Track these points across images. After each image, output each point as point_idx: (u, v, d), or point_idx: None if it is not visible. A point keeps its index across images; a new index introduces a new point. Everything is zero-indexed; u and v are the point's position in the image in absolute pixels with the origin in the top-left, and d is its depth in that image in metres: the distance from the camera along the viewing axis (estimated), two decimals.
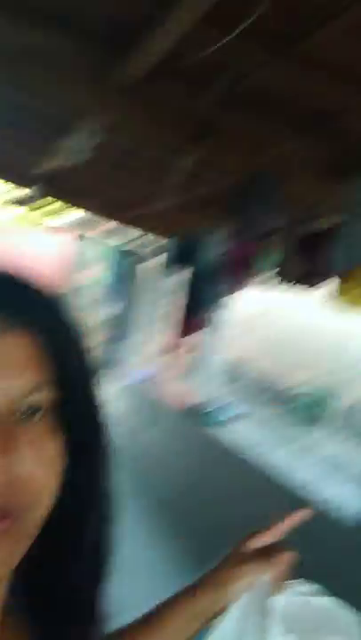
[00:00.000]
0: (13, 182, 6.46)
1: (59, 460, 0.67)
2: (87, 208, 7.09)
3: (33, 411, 0.65)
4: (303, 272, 3.63)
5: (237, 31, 2.27)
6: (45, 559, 0.73)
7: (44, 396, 0.66)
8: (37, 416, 0.66)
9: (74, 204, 7.24)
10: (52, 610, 0.76)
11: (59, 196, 6.58)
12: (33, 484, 0.64)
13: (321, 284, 3.85)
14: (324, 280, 3.80)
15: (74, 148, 4.30)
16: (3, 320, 0.65)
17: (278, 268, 3.65)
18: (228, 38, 2.32)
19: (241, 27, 2.25)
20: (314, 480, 4.31)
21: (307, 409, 5.81)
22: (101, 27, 2.98)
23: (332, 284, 3.91)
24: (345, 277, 3.51)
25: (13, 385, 0.63)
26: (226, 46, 2.41)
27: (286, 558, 1.05)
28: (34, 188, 6.25)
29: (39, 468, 0.64)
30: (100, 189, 6.13)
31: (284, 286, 3.89)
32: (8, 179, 6.42)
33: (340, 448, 5.10)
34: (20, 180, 6.19)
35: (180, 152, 3.49)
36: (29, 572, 0.72)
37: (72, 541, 0.75)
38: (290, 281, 3.70)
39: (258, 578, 1.01)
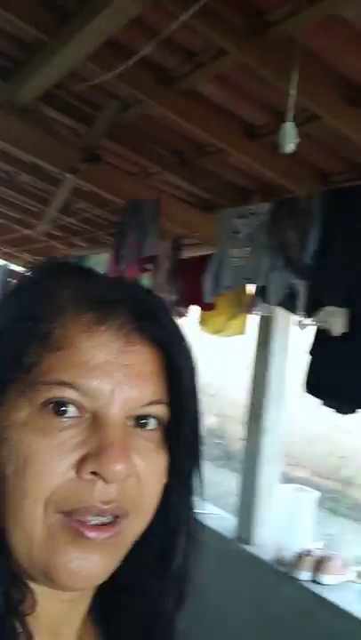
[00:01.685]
0: None
1: (162, 475, 0.68)
2: None
3: (146, 422, 0.66)
4: (173, 300, 3.85)
5: (119, 70, 2.48)
6: (129, 577, 0.72)
7: (158, 411, 0.67)
8: (150, 429, 0.67)
9: None
10: (129, 628, 0.76)
11: None
12: (141, 493, 0.65)
13: (185, 313, 4.10)
14: (188, 308, 4.05)
15: None
16: (139, 332, 0.67)
17: None
18: (109, 75, 2.53)
19: (124, 66, 2.46)
20: None
21: None
22: None
23: (196, 314, 4.18)
24: (207, 308, 3.77)
25: (136, 394, 0.64)
26: (110, 80, 2.63)
27: None
28: None
29: (148, 476, 0.65)
30: None
31: None
32: None
33: None
34: None
35: (58, 181, 3.64)
36: (112, 587, 0.72)
37: (158, 562, 0.74)
38: None
39: None
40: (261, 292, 2.50)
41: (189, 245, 3.89)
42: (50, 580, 0.63)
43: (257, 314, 3.76)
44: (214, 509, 4.49)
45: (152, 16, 2.22)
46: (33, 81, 2.73)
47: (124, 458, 0.62)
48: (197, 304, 3.88)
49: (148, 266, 3.58)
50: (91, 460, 0.61)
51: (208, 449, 10.08)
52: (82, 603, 0.71)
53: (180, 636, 0.79)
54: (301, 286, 2.27)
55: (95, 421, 0.63)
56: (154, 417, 0.67)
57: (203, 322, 4.20)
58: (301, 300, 2.28)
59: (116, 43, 2.49)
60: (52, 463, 0.61)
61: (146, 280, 3.70)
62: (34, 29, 2.55)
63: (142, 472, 0.64)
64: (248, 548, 3.83)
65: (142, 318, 0.67)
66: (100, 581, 0.65)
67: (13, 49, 3.02)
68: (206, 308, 3.80)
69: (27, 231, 6.00)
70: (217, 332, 4.08)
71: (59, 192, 3.74)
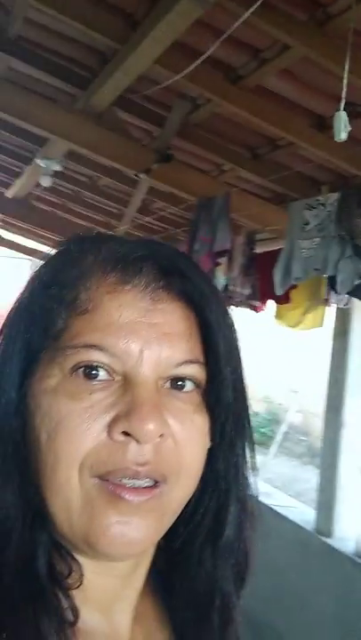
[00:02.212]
0: None
1: (204, 437, 0.66)
2: (42, 239, 7.36)
3: (182, 383, 0.64)
4: (246, 294, 3.90)
5: (187, 71, 2.57)
6: (185, 550, 0.72)
7: (194, 372, 0.65)
8: (186, 391, 0.64)
9: (31, 234, 7.49)
10: (190, 604, 0.74)
11: (27, 221, 6.82)
12: (180, 454, 0.63)
13: (262, 307, 4.14)
14: (264, 302, 4.09)
15: (42, 172, 4.55)
16: (167, 289, 0.65)
17: (226, 291, 3.91)
18: (178, 77, 2.62)
19: (191, 67, 2.55)
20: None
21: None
22: (69, 64, 3.29)
23: (272, 307, 4.22)
24: (282, 301, 3.80)
25: (167, 354, 0.62)
26: (179, 81, 2.72)
27: None
28: None
29: (186, 440, 0.63)
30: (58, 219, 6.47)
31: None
32: None
33: None
34: None
35: (136, 182, 3.77)
36: (170, 560, 0.72)
37: (212, 533, 0.72)
38: (235, 304, 3.95)
39: None
40: (332, 282, 2.51)
41: (264, 240, 3.93)
42: (91, 547, 0.61)
43: (334, 306, 3.76)
44: (296, 503, 4.51)
45: (215, 16, 2.30)
46: (106, 87, 2.87)
47: (154, 416, 0.60)
48: (272, 298, 3.91)
49: (221, 260, 3.64)
50: (121, 420, 0.60)
51: (293, 446, 10.11)
52: (135, 579, 0.70)
53: (242, 615, 0.75)
54: None
55: (126, 383, 0.62)
56: (189, 378, 0.64)
57: (279, 316, 4.22)
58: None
59: (183, 44, 2.58)
60: (83, 426, 0.60)
61: (220, 274, 3.77)
62: (106, 39, 2.68)
63: (179, 435, 0.63)
64: (329, 540, 3.83)
65: (169, 275, 0.65)
66: (141, 549, 0.64)
67: (89, 59, 3.18)
68: (281, 301, 3.83)
69: (109, 233, 6.20)
70: (294, 325, 4.09)
71: (136, 193, 3.88)
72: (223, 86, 2.83)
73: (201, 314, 0.66)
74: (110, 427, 0.60)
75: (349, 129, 1.62)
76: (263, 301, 4.07)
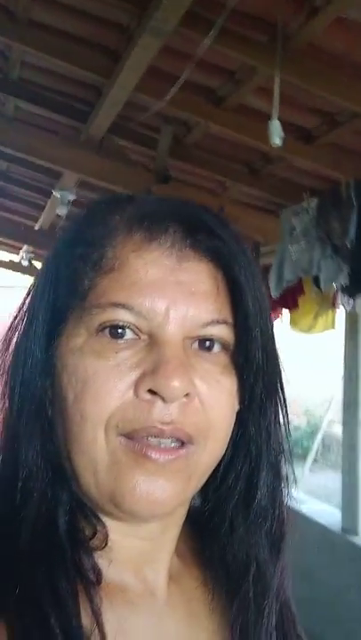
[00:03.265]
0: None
1: (232, 399, 0.65)
2: None
3: (209, 344, 0.63)
4: None
5: (169, 96, 2.77)
6: (217, 515, 0.71)
7: (221, 332, 0.63)
8: (214, 350, 0.63)
9: None
10: (222, 567, 0.72)
11: None
12: (207, 416, 0.62)
13: (277, 316, 4.26)
14: (277, 312, 4.20)
15: (59, 202, 4.81)
16: (193, 248, 0.63)
17: None
18: (162, 103, 2.82)
19: (171, 92, 2.75)
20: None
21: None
22: (69, 100, 3.54)
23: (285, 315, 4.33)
24: (291, 307, 3.91)
25: (193, 313, 0.61)
26: (167, 106, 2.92)
27: None
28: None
29: (213, 401, 0.62)
30: None
31: None
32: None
33: None
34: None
35: None
36: (203, 526, 0.71)
37: (244, 498, 0.70)
38: None
39: None
40: (316, 281, 2.64)
41: (270, 253, 4.07)
42: (117, 506, 0.61)
43: (342, 308, 3.85)
44: (323, 506, 4.57)
45: (186, 45, 2.48)
46: (99, 117, 3.09)
47: (180, 374, 0.59)
48: (283, 306, 4.03)
49: None
50: (147, 378, 0.59)
51: (333, 456, 9.87)
52: (165, 542, 0.69)
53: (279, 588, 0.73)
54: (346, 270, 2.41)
55: (152, 342, 0.61)
56: (217, 339, 0.63)
57: (293, 322, 4.32)
58: (343, 282, 2.41)
59: (163, 72, 2.78)
60: (109, 385, 0.60)
61: None
62: (93, 74, 2.91)
63: (206, 396, 0.61)
64: (354, 538, 3.88)
65: (196, 233, 0.63)
66: (167, 509, 0.62)
67: (86, 93, 3.41)
68: (290, 307, 3.95)
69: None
70: (308, 329, 4.19)
71: None
72: (206, 108, 3.01)
73: (229, 273, 0.64)
74: (136, 385, 0.60)
75: (282, 135, 1.77)
76: (276, 311, 4.19)
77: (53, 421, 0.64)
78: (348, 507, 4.02)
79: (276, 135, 1.71)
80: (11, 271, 8.42)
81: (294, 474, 0.73)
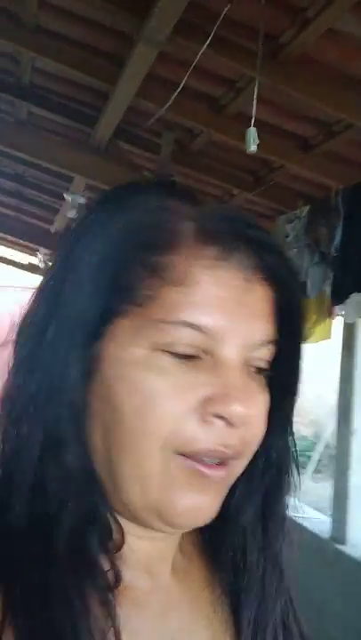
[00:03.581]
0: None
1: (266, 415, 0.65)
2: None
3: (259, 364, 0.64)
4: None
5: (168, 103, 2.85)
6: (230, 520, 0.72)
7: (269, 352, 0.64)
8: (259, 370, 0.64)
9: None
10: (229, 565, 0.74)
11: None
12: (249, 432, 0.62)
13: None
14: None
15: (70, 205, 4.93)
16: (259, 270, 0.63)
17: None
18: (161, 110, 2.91)
19: (171, 99, 2.83)
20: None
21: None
22: (78, 105, 3.66)
23: None
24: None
25: (254, 334, 0.62)
26: (169, 113, 3.01)
27: None
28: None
29: (255, 419, 0.62)
30: None
31: None
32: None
33: None
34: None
35: None
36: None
37: (260, 507, 0.73)
38: None
39: None
40: (303, 288, 2.70)
41: None
42: (162, 518, 0.62)
43: (338, 318, 3.89)
44: (314, 513, 4.59)
45: (182, 53, 2.57)
46: (103, 122, 3.19)
47: (249, 401, 0.59)
48: None
49: None
50: (215, 403, 0.59)
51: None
52: (174, 540, 0.70)
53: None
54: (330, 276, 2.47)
55: (216, 363, 0.60)
56: (266, 359, 0.64)
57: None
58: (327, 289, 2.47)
59: (165, 80, 2.87)
60: (173, 405, 0.59)
61: None
62: (97, 80, 3.01)
63: (253, 414, 0.62)
64: (343, 547, 3.90)
65: (263, 254, 0.63)
66: (208, 521, 0.64)
67: (94, 98, 3.52)
68: None
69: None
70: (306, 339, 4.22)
71: None
72: (208, 116, 3.10)
73: (286, 295, 0.65)
74: (202, 408, 0.59)
75: (258, 142, 1.84)
76: None
77: (86, 426, 0.62)
78: (337, 515, 4.04)
79: (252, 142, 1.78)
80: (29, 273, 8.58)
81: (300, 483, 0.75)
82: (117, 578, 0.60)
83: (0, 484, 0.61)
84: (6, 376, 0.64)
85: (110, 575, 0.60)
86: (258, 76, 1.98)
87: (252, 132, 1.84)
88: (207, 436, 0.59)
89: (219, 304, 0.60)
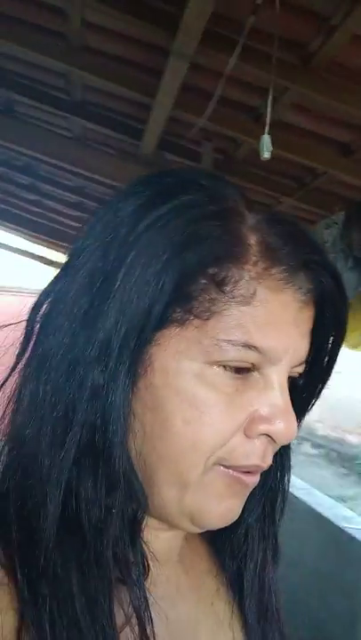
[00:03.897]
0: None
1: None
2: None
3: (292, 379, 0.65)
4: None
5: (207, 114, 2.94)
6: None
7: (300, 370, 0.66)
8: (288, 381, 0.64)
9: None
10: (232, 554, 0.78)
11: None
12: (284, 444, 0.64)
13: None
14: None
15: None
16: (313, 292, 0.63)
17: None
18: (199, 123, 2.99)
19: (208, 110, 2.92)
20: None
21: None
22: (127, 119, 3.79)
23: None
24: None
25: (300, 355, 0.63)
26: (205, 124, 3.09)
27: None
28: None
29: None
30: None
31: None
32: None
33: None
34: None
35: None
36: None
37: (267, 502, 0.76)
38: None
39: None
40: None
41: None
42: (194, 521, 0.63)
43: None
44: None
45: (214, 64, 2.65)
46: (146, 134, 3.30)
47: (291, 420, 0.61)
48: None
49: None
50: (263, 423, 0.60)
51: None
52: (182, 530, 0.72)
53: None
54: None
55: (266, 380, 0.61)
56: (299, 372, 0.66)
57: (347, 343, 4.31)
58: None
59: (199, 90, 2.96)
60: (224, 421, 0.59)
61: None
62: (140, 94, 3.12)
63: (295, 432, 0.63)
64: None
65: (320, 277, 0.63)
66: (235, 520, 0.66)
67: (139, 111, 3.64)
68: None
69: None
70: (355, 345, 4.18)
71: None
72: (246, 125, 3.16)
73: (332, 318, 0.66)
74: (250, 425, 0.61)
75: (271, 149, 1.89)
76: None
77: (130, 429, 0.61)
78: None
79: (265, 149, 1.84)
80: None
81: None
82: (146, 570, 0.62)
83: (31, 485, 0.58)
84: (30, 373, 0.60)
85: (140, 568, 0.61)
86: (272, 82, 2.02)
87: (266, 139, 1.90)
88: (251, 452, 0.61)
89: (279, 328, 0.60)
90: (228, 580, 0.78)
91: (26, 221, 7.11)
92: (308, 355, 0.66)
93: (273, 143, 3.33)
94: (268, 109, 1.97)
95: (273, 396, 0.61)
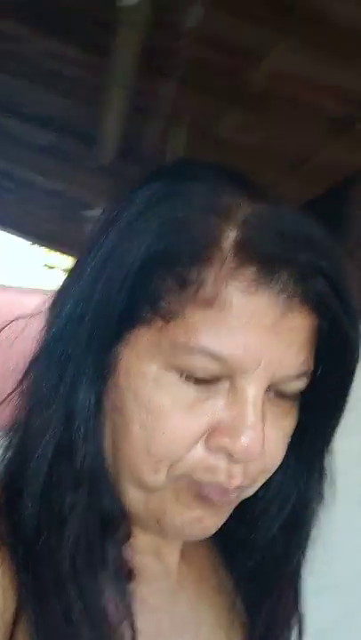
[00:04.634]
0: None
1: (288, 439, 0.62)
2: None
3: (287, 395, 0.59)
4: None
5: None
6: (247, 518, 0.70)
7: (302, 384, 0.59)
8: (287, 398, 0.59)
9: None
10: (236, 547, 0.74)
11: None
12: (266, 460, 0.59)
13: None
14: None
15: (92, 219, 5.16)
16: (303, 295, 0.56)
17: None
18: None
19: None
20: None
21: None
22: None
23: None
24: None
25: (286, 367, 0.56)
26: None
27: None
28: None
29: (274, 446, 0.59)
30: None
31: None
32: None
33: None
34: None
35: None
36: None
37: (286, 516, 0.71)
38: None
39: None
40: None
41: None
42: (162, 528, 0.61)
43: None
44: None
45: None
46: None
47: (260, 440, 0.55)
48: None
49: None
50: (224, 437, 0.56)
51: None
52: None
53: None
54: None
55: (233, 391, 0.56)
56: (295, 389, 0.59)
57: None
58: None
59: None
60: (182, 430, 0.56)
61: None
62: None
63: (270, 443, 0.58)
64: None
65: (309, 279, 0.56)
66: (209, 535, 0.63)
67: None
68: None
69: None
70: None
71: None
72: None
73: (332, 324, 0.59)
74: (210, 438, 0.57)
75: None
76: None
77: (99, 428, 0.60)
78: None
79: None
80: None
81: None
82: (129, 567, 0.61)
83: (12, 482, 0.60)
84: (26, 366, 0.61)
85: (121, 564, 0.60)
86: None
87: None
88: (215, 467, 0.57)
89: (247, 334, 0.54)
90: (227, 572, 0.76)
91: None
92: (317, 369, 0.59)
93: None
94: None
95: (239, 408, 0.56)
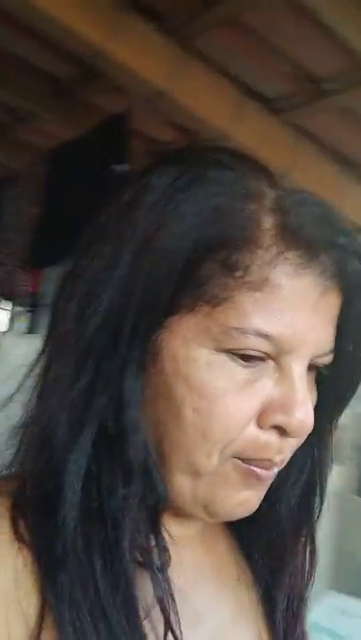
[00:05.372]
0: None
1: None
2: None
3: (312, 369, 0.62)
4: None
5: None
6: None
7: (329, 359, 0.62)
8: (310, 373, 0.62)
9: None
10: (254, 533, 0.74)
11: None
12: (304, 438, 0.62)
13: None
14: None
15: None
16: (338, 278, 0.59)
17: None
18: None
19: None
20: None
21: None
22: None
23: None
24: None
25: (323, 344, 0.59)
26: None
27: None
28: None
29: (312, 424, 0.60)
30: None
31: None
32: None
33: None
34: None
35: None
36: None
37: (300, 493, 0.71)
38: None
39: None
40: None
41: None
42: (208, 511, 0.62)
43: None
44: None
45: None
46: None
47: (311, 415, 0.58)
48: None
49: None
50: (278, 414, 0.58)
51: None
52: None
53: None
54: None
55: (280, 370, 0.59)
56: (324, 363, 0.62)
57: None
58: None
59: None
60: (238, 412, 0.57)
61: None
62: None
63: (310, 426, 0.60)
64: None
65: (345, 263, 0.59)
66: (252, 512, 0.64)
67: None
68: None
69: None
70: None
71: None
72: None
73: (350, 311, 0.61)
74: (262, 417, 0.58)
75: None
76: None
77: (144, 416, 0.59)
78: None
79: None
80: None
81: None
82: (168, 558, 0.60)
83: (36, 480, 0.58)
84: (50, 358, 0.61)
85: (160, 557, 0.59)
86: None
87: None
88: (265, 445, 0.59)
89: (295, 314, 0.57)
90: (245, 558, 0.76)
91: None
92: (337, 345, 0.62)
93: None
94: None
95: (289, 385, 0.58)
